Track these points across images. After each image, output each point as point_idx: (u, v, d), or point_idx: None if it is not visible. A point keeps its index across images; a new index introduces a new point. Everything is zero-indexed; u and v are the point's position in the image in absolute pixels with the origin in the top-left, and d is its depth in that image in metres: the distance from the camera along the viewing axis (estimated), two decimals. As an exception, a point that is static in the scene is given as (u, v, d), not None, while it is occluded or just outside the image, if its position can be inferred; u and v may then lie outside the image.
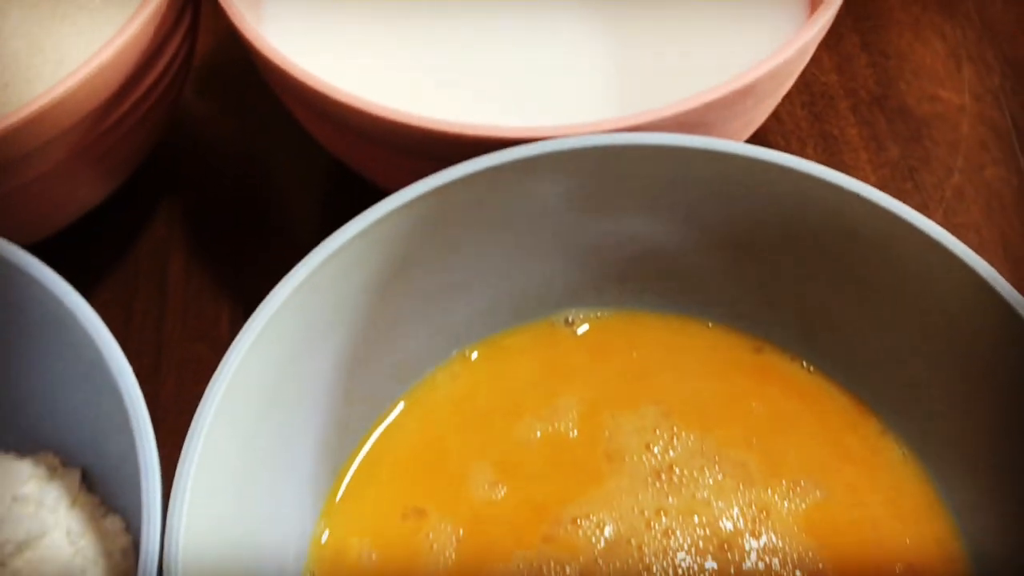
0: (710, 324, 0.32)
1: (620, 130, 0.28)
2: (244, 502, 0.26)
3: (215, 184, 0.41)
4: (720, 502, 0.29)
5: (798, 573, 0.27)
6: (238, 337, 0.26)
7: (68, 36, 0.35)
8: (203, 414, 0.25)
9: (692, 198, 0.29)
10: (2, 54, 0.35)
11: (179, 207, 0.41)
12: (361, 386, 0.30)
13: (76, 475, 0.31)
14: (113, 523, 0.30)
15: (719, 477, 0.29)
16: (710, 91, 0.28)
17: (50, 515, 0.30)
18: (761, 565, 0.27)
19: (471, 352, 0.32)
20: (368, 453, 0.30)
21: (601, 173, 0.28)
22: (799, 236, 0.29)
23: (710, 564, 0.28)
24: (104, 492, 0.31)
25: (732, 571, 0.27)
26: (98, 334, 0.27)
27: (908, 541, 0.28)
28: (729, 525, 0.28)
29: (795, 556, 0.28)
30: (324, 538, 0.29)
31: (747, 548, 0.28)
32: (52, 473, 0.31)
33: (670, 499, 0.29)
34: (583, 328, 0.32)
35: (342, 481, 0.29)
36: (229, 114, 0.43)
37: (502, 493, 0.29)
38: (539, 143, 0.28)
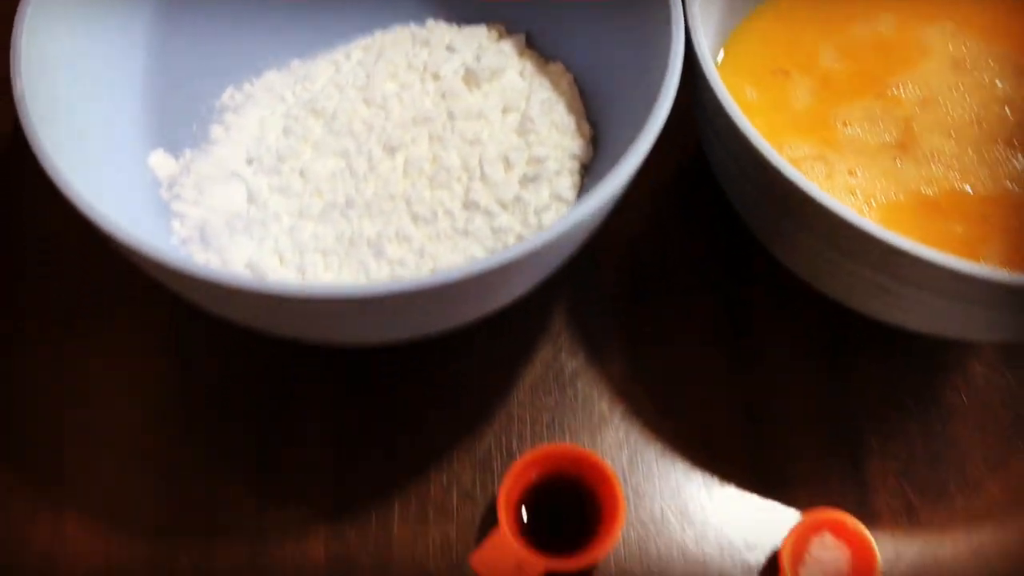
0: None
1: None
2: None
3: None
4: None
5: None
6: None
7: None
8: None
9: None
10: None
11: None
12: None
13: (522, 37, 0.42)
14: (556, 66, 0.41)
15: (1000, 70, 0.40)
16: None
17: (507, 59, 0.41)
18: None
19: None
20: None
21: None
22: None
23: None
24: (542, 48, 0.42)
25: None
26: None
27: None
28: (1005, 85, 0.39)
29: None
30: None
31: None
32: (502, 34, 0.42)
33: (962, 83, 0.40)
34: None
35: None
36: None
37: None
38: None
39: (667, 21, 0.33)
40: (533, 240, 0.28)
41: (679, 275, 0.41)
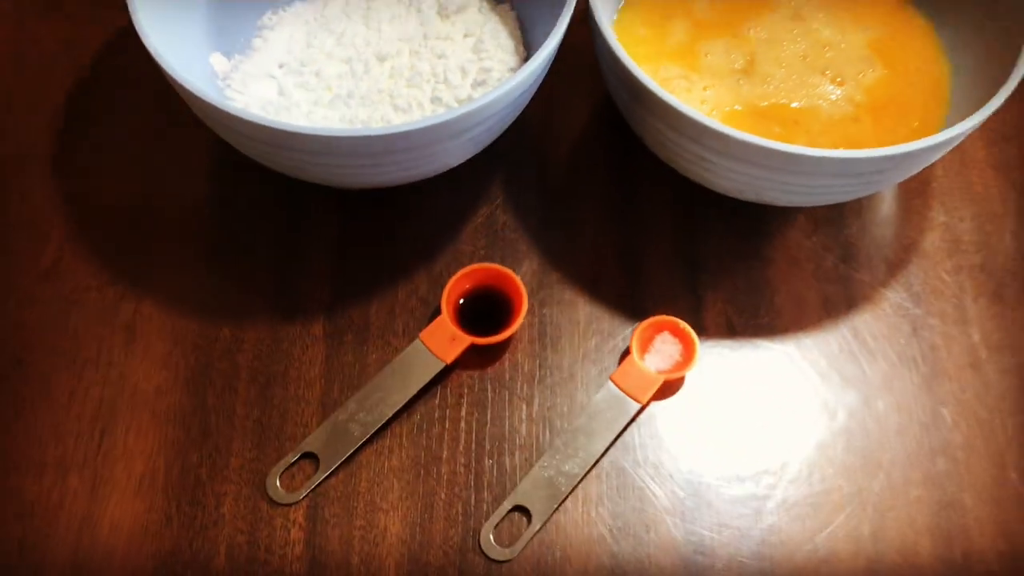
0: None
1: None
2: None
3: None
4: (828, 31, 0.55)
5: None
6: None
7: None
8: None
9: None
10: None
11: None
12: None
13: (482, -16, 0.58)
14: (504, 7, 0.56)
15: (827, 21, 0.55)
16: None
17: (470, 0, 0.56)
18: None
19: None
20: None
21: None
22: None
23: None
24: None
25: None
26: None
27: (916, 64, 0.54)
28: (827, 32, 0.54)
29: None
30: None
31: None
32: (469, -18, 0.58)
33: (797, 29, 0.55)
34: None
35: None
36: None
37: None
38: None
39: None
40: (461, 108, 0.44)
41: (588, 165, 0.56)
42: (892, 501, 0.47)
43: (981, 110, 0.45)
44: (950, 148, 0.47)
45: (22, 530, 0.46)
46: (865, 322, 0.52)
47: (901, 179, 0.49)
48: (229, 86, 0.54)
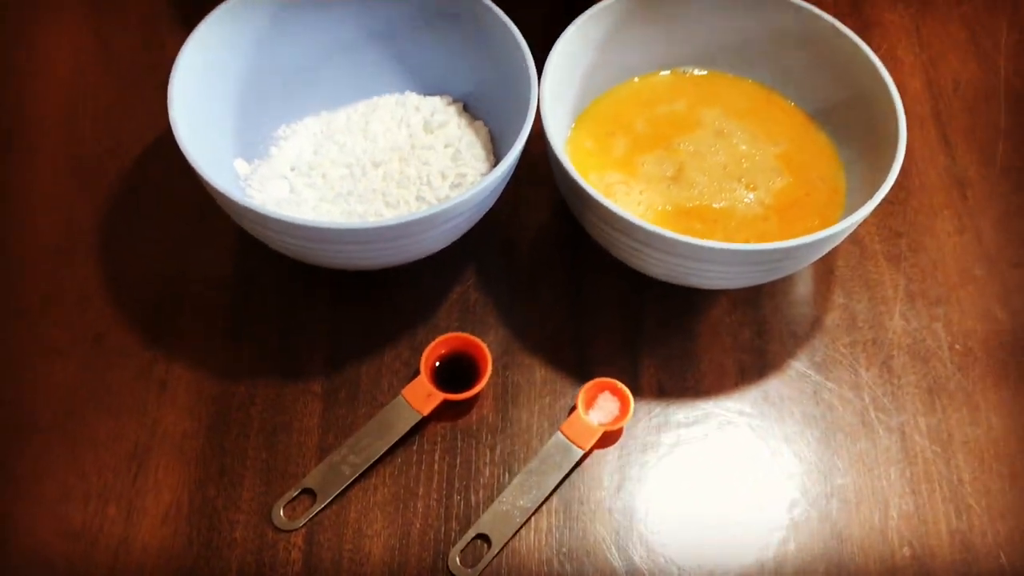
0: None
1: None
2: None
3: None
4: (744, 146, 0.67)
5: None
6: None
7: None
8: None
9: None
10: None
11: None
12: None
13: (460, 104, 0.70)
14: (479, 123, 0.69)
15: (744, 138, 0.67)
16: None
17: (451, 117, 0.69)
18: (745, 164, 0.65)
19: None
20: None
21: None
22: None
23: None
24: (473, 111, 0.69)
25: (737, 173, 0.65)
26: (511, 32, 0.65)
27: (818, 174, 0.66)
28: (744, 147, 0.66)
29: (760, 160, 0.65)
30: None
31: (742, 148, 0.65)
32: (449, 102, 0.70)
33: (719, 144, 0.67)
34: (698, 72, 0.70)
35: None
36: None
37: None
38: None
39: (527, 106, 0.60)
40: (438, 205, 0.55)
41: (546, 253, 0.67)
42: (793, 533, 0.57)
43: (849, 217, 0.56)
44: (832, 244, 0.58)
45: (70, 549, 0.56)
46: (774, 386, 0.62)
47: (797, 267, 0.60)
48: (250, 185, 0.65)
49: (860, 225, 0.63)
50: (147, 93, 0.72)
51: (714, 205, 0.63)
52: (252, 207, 0.54)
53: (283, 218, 0.54)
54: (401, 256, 0.60)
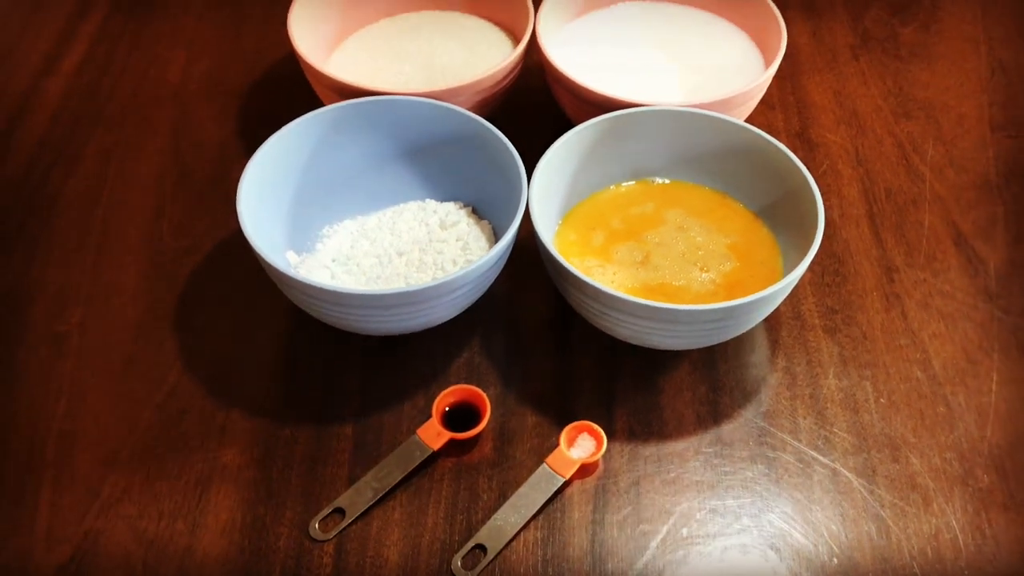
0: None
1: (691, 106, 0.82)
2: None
3: None
4: (701, 237, 0.82)
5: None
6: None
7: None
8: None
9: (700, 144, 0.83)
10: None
11: None
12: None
13: (470, 207, 0.86)
14: (485, 222, 0.85)
15: (700, 232, 0.82)
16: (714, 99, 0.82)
17: (462, 217, 0.85)
18: (701, 253, 0.80)
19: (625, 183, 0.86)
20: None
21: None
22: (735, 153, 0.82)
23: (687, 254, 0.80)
24: (480, 212, 0.86)
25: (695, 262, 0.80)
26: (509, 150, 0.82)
27: (760, 259, 0.80)
28: (700, 239, 0.81)
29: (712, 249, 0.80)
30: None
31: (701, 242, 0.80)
32: (461, 206, 0.86)
33: (680, 236, 0.82)
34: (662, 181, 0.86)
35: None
36: None
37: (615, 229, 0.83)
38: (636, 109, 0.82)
39: (518, 208, 0.76)
40: (445, 276, 0.70)
41: (538, 324, 0.82)
42: (743, 558, 0.69)
43: (776, 284, 0.70)
44: (765, 307, 0.72)
45: (145, 555, 0.69)
46: (726, 430, 0.75)
47: (740, 328, 0.74)
48: (298, 273, 0.81)
49: (802, 303, 0.78)
50: (215, 204, 0.89)
51: (674, 283, 0.78)
52: (302, 279, 0.70)
53: (326, 287, 0.69)
54: (419, 321, 0.74)
